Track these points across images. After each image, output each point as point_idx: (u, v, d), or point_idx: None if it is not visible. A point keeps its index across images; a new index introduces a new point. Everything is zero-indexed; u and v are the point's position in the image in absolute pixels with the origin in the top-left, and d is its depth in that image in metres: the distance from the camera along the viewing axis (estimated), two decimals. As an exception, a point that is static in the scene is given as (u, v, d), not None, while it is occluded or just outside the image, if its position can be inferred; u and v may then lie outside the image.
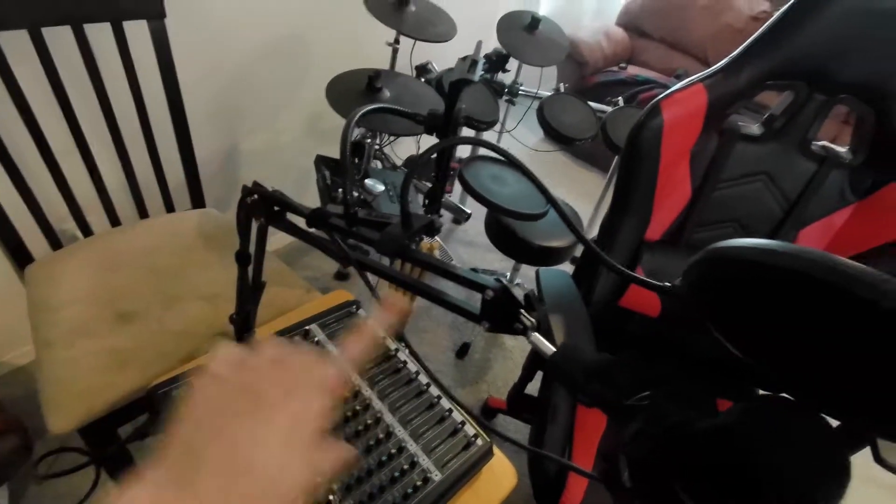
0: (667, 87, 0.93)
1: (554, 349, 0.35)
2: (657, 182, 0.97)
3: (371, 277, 0.46)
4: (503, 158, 0.41)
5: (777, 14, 0.84)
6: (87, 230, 1.03)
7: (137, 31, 0.93)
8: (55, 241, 0.98)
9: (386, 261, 0.53)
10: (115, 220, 1.06)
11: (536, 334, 0.35)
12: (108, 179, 1.02)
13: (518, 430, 1.53)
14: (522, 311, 0.35)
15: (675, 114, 0.90)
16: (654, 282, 0.37)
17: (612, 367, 0.36)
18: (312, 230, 0.52)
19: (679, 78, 1.09)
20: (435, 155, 0.51)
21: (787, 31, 0.84)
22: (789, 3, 0.83)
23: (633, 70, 2.91)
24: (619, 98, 1.74)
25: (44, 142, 0.90)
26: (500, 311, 0.36)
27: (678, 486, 0.30)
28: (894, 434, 0.29)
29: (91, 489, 0.68)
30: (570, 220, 0.41)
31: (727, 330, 0.31)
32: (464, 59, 0.53)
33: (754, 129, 0.97)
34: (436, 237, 1.39)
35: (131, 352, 0.81)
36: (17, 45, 0.82)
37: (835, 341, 0.24)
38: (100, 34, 0.90)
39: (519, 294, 0.36)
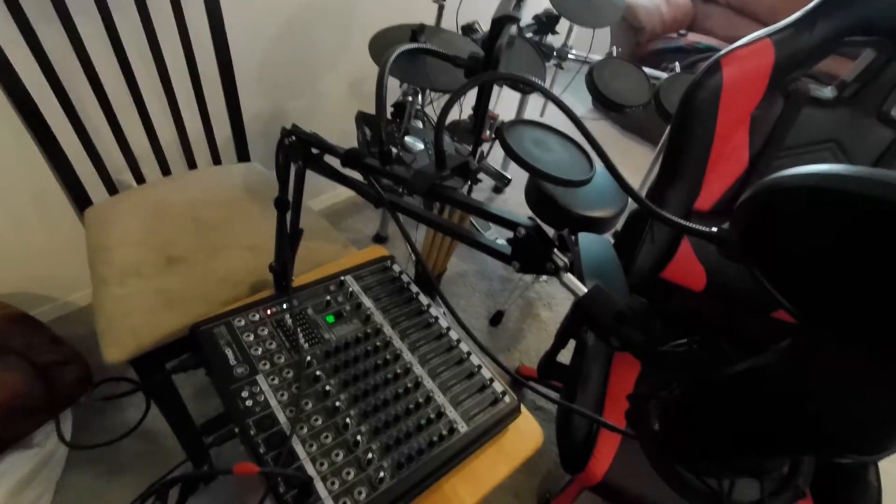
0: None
1: (585, 290, 0.33)
2: (712, 147, 0.91)
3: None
4: (545, 124, 0.39)
5: (863, -40, 0.76)
6: (140, 179, 1.08)
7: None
8: (112, 188, 1.03)
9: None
10: (165, 171, 1.11)
11: (569, 275, 0.34)
12: (161, 133, 1.06)
13: (548, 402, 1.52)
14: (556, 250, 0.34)
15: (736, 72, 0.83)
16: (696, 227, 0.35)
17: (644, 313, 0.34)
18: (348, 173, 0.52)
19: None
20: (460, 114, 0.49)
21: (874, -21, 0.76)
22: (879, -53, 0.74)
23: (693, 37, 2.73)
24: (676, 64, 1.64)
25: (104, 96, 0.95)
26: (532, 251, 0.35)
27: (710, 430, 0.28)
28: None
29: (142, 417, 0.73)
30: (619, 174, 0.38)
31: (780, 278, 0.28)
32: (509, -4, 0.50)
33: (826, 91, 0.89)
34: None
35: (178, 293, 0.85)
36: (80, 2, 0.85)
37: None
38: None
39: (552, 233, 0.34)
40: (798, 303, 0.26)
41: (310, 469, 0.58)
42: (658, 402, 0.32)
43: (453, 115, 1.86)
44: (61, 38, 0.86)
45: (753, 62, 0.83)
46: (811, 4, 0.80)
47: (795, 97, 0.88)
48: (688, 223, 0.34)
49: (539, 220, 0.35)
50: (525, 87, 1.35)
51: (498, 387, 0.73)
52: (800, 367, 0.24)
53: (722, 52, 0.83)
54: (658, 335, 0.33)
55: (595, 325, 0.33)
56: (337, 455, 0.60)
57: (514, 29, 1.41)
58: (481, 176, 1.52)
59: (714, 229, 0.33)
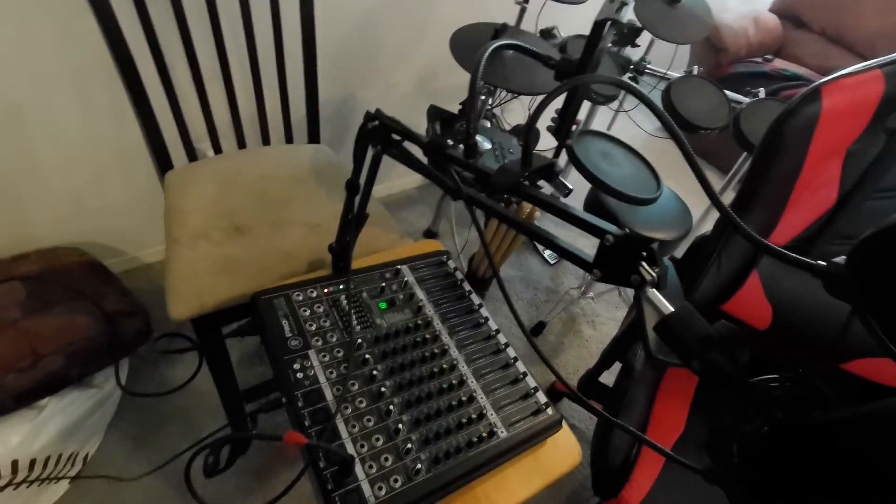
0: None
1: (671, 308, 0.32)
2: (798, 180, 0.86)
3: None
4: (614, 137, 0.38)
5: None
6: (218, 150, 1.13)
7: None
8: (192, 155, 1.09)
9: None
10: (241, 144, 1.15)
11: (654, 290, 0.32)
12: (241, 107, 1.11)
13: (582, 419, 1.48)
14: (644, 263, 0.33)
15: (838, 102, 0.78)
16: (803, 258, 0.33)
17: (733, 340, 0.32)
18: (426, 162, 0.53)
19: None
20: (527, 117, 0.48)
21: None
22: None
23: (779, 63, 2.59)
24: (761, 89, 1.56)
25: (196, 65, 1.00)
26: (618, 261, 0.33)
27: (799, 473, 0.26)
28: None
29: (193, 375, 0.76)
30: (710, 186, 0.37)
31: (887, 320, 0.26)
32: (612, 0, 0.49)
33: (937, 133, 0.81)
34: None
35: (241, 261, 0.88)
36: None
37: None
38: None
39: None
40: None
41: (350, 449, 0.59)
42: (741, 436, 0.30)
43: (519, 119, 1.84)
44: (166, 7, 0.92)
45: (858, 93, 0.78)
46: (934, 37, 0.74)
47: (900, 135, 0.81)
48: (793, 254, 0.31)
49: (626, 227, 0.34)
50: (599, 98, 1.33)
51: (541, 397, 0.71)
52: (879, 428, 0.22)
53: (824, 79, 0.77)
54: (746, 365, 0.31)
55: (678, 347, 0.32)
56: (377, 440, 0.60)
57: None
58: (541, 183, 1.50)
59: (822, 263, 0.31)
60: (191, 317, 0.81)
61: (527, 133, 0.39)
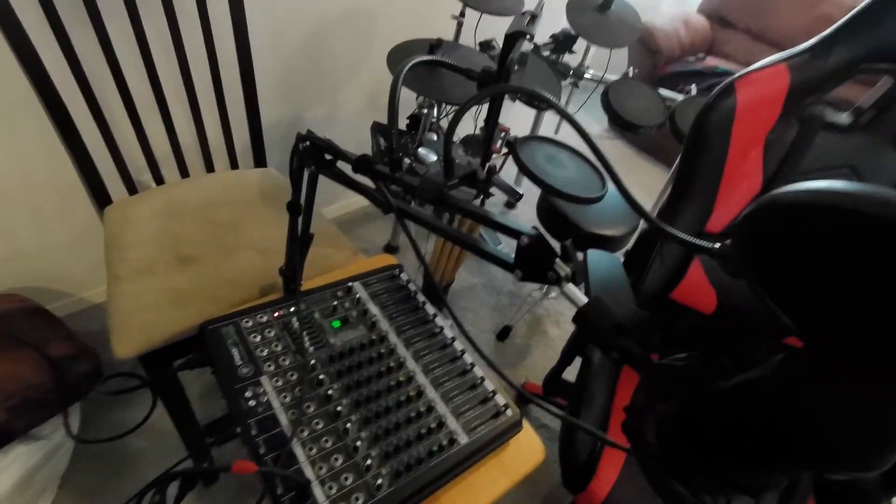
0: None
1: (586, 300, 0.34)
2: (724, 169, 0.91)
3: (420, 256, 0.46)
4: (558, 141, 0.40)
5: (880, -12, 0.76)
6: (160, 180, 1.11)
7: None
8: (132, 187, 1.06)
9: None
10: (184, 173, 1.13)
11: (570, 285, 0.34)
12: (181, 135, 1.09)
13: (552, 420, 1.50)
14: (558, 259, 0.34)
15: (750, 95, 0.83)
16: (700, 242, 0.35)
17: (644, 325, 0.34)
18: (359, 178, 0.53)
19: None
20: (476, 129, 0.50)
21: (889, 9, 0.76)
22: (897, -25, 0.74)
23: (711, 61, 2.74)
24: (693, 86, 1.65)
25: (129, 97, 0.98)
26: (535, 260, 0.35)
27: (708, 443, 0.28)
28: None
29: (148, 414, 0.73)
30: (624, 187, 0.39)
31: (782, 294, 0.28)
32: (523, 13, 0.51)
33: (842, 117, 0.88)
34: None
35: (188, 293, 0.86)
36: (111, 6, 0.89)
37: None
38: (183, -5, 0.95)
39: (555, 244, 0.35)
40: (798, 318, 0.27)
41: (308, 472, 0.58)
42: (655, 415, 0.31)
43: (467, 129, 1.88)
44: (91, 38, 0.89)
45: (768, 86, 0.83)
46: (828, 30, 0.81)
47: (810, 122, 0.88)
48: (691, 238, 0.34)
49: (544, 231, 0.35)
50: (540, 104, 1.37)
51: (500, 400, 0.73)
52: (797, 379, 0.24)
53: (736, 75, 0.83)
54: (657, 347, 0.33)
55: (595, 336, 0.33)
56: (336, 460, 0.60)
57: (530, 46, 1.43)
58: (493, 190, 1.53)
59: (717, 245, 0.34)
60: (137, 353, 0.79)
61: (446, 143, 0.41)
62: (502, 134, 1.26)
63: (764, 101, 0.85)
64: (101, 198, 1.01)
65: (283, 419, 0.62)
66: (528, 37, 0.47)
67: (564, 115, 0.39)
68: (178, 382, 0.91)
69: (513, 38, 0.47)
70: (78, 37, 0.88)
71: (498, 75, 0.48)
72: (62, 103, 0.89)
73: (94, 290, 1.45)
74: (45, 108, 0.89)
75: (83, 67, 0.90)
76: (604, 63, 1.75)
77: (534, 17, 0.50)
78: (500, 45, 1.48)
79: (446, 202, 0.41)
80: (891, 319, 0.22)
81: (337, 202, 1.98)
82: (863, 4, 0.77)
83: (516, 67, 0.48)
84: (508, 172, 2.26)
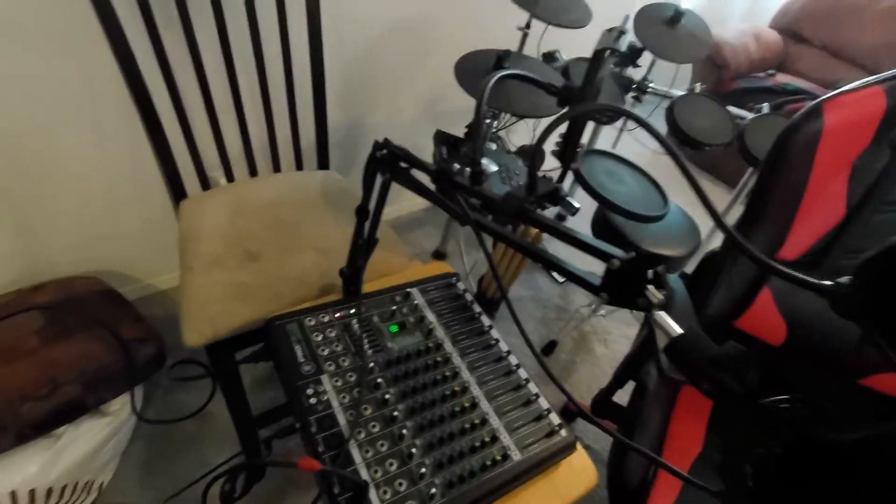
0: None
1: (681, 330, 0.32)
2: (804, 194, 0.86)
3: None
4: (619, 156, 0.39)
5: None
6: (230, 178, 1.16)
7: (294, 3, 1.03)
8: (205, 183, 1.12)
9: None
10: (253, 172, 1.18)
11: (662, 313, 0.33)
12: (253, 136, 1.14)
13: (598, 439, 1.46)
14: (651, 286, 0.33)
15: (840, 118, 0.79)
16: (810, 279, 0.33)
17: (743, 361, 0.32)
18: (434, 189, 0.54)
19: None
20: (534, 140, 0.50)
21: None
22: None
23: (782, 78, 2.61)
24: (764, 105, 1.57)
25: (209, 96, 1.03)
26: (625, 284, 0.34)
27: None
28: None
29: (207, 401, 0.77)
30: (713, 207, 0.37)
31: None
32: (610, 30, 0.51)
33: (942, 145, 0.82)
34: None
35: (253, 288, 0.90)
36: (199, 7, 0.94)
37: None
38: (265, 3, 1.00)
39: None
40: None
41: (364, 474, 0.59)
42: (753, 457, 0.30)
43: (524, 140, 1.87)
44: (180, 40, 0.95)
45: (860, 109, 0.78)
46: (932, 52, 0.75)
47: (906, 149, 0.82)
48: (799, 274, 0.32)
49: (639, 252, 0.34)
50: (602, 118, 1.34)
51: (555, 418, 0.71)
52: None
53: (826, 95, 0.78)
54: (756, 385, 0.31)
55: (688, 368, 0.32)
56: (391, 465, 0.60)
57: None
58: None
59: (828, 283, 0.32)
60: (205, 343, 0.83)
61: (532, 160, 0.40)
62: (577, 150, 1.25)
63: (855, 124, 0.80)
64: (177, 191, 1.07)
65: (342, 419, 0.63)
66: (616, 53, 0.46)
67: (652, 132, 0.38)
68: (237, 374, 0.94)
69: (601, 54, 0.46)
70: (168, 37, 0.93)
71: (582, 92, 0.48)
72: (150, 100, 0.95)
73: (162, 277, 1.54)
74: (134, 103, 0.95)
75: (171, 67, 0.96)
76: (665, 76, 1.70)
77: (622, 33, 0.49)
78: (563, 57, 1.45)
79: (529, 217, 0.41)
80: None
81: (389, 206, 2.01)
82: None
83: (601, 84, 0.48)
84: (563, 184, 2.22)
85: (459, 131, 1.45)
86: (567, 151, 0.61)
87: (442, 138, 1.05)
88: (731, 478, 0.30)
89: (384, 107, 1.67)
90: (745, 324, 0.97)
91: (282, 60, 1.07)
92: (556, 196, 0.44)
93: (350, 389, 0.67)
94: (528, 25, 1.36)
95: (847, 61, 2.63)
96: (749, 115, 1.53)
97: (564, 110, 0.41)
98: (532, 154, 0.41)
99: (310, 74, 1.13)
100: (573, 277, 0.38)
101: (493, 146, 1.31)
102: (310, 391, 0.65)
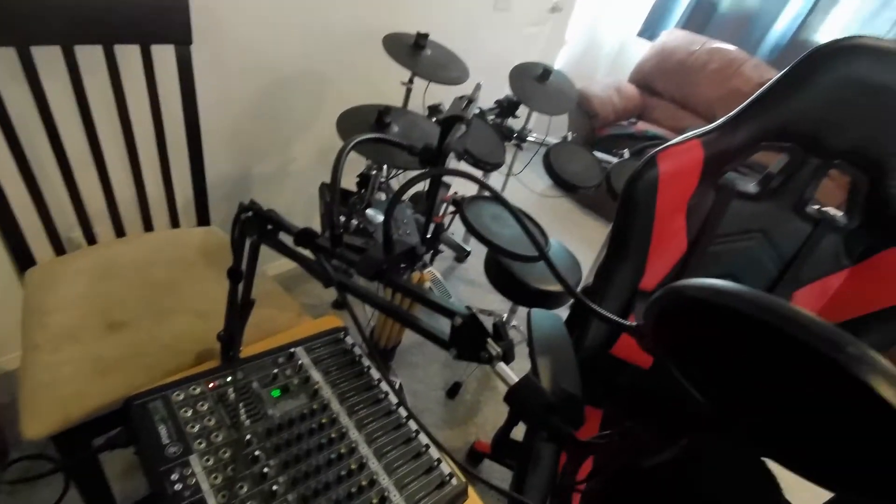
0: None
1: (516, 379, 0.35)
2: (653, 232, 0.98)
3: (364, 312, 0.47)
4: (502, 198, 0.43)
5: (772, 80, 0.87)
6: (92, 239, 1.05)
7: (164, 55, 0.99)
8: (59, 247, 1.00)
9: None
10: (120, 232, 1.08)
11: (501, 364, 0.35)
12: (118, 191, 1.05)
13: (504, 477, 1.48)
14: (490, 339, 0.36)
15: (671, 166, 0.92)
16: (621, 320, 0.38)
17: (572, 403, 0.36)
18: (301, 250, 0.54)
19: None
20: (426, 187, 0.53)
21: (782, 97, 0.87)
22: (784, 70, 0.86)
23: (642, 125, 2.99)
24: (626, 150, 1.79)
25: (61, 149, 0.94)
26: (468, 339, 0.36)
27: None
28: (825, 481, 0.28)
29: (59, 498, 0.66)
30: (549, 260, 0.41)
31: (684, 368, 0.31)
32: (460, 98, 0.55)
33: (750, 187, 0.98)
34: (429, 269, 1.40)
35: (116, 361, 0.81)
36: (48, 57, 0.87)
37: (782, 386, 0.24)
38: (128, 54, 0.95)
39: (488, 323, 0.36)
40: (700, 390, 0.29)
41: (238, 562, 0.54)
42: (585, 492, 0.32)
43: (417, 187, 1.93)
44: (24, 90, 0.86)
45: (685, 158, 0.92)
46: (732, 113, 0.91)
47: (724, 190, 0.97)
48: (611, 315, 0.36)
49: (474, 309, 0.36)
50: (487, 166, 1.44)
51: (445, 468, 0.71)
52: (695, 461, 0.26)
53: (657, 149, 0.91)
54: (580, 424, 0.34)
55: (525, 416, 0.34)
56: (269, 546, 0.56)
57: (476, 111, 1.51)
58: (442, 247, 1.56)
59: (633, 323, 0.36)
60: (51, 433, 0.72)
61: (386, 222, 0.42)
62: (453, 192, 1.31)
63: (682, 171, 0.93)
64: (22, 258, 0.95)
65: (213, 503, 0.58)
66: (464, 122, 0.50)
67: (495, 194, 0.42)
68: (97, 464, 0.83)
69: (450, 122, 0.50)
70: (9, 87, 0.84)
71: (436, 157, 0.51)
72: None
73: (7, 357, 1.33)
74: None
75: (11, 120, 0.86)
76: (544, 125, 1.87)
77: (470, 101, 0.54)
78: (446, 109, 1.54)
79: (385, 279, 0.42)
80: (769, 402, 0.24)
81: (283, 258, 1.94)
82: (758, 94, 0.88)
83: (454, 148, 0.51)
84: (458, 228, 2.31)
85: (352, 180, 1.46)
86: (428, 208, 0.64)
87: (327, 189, 1.05)
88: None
89: (275, 157, 1.64)
90: (620, 350, 1.06)
91: (150, 111, 1.01)
92: (413, 256, 0.46)
93: (224, 467, 0.62)
94: (410, 81, 1.43)
95: (692, 111, 3.08)
96: (614, 160, 1.73)
97: (415, 175, 0.43)
98: (385, 218, 0.43)
99: (183, 126, 1.08)
100: (426, 335, 0.39)
101: (383, 196, 1.34)
102: (174, 476, 0.59)
